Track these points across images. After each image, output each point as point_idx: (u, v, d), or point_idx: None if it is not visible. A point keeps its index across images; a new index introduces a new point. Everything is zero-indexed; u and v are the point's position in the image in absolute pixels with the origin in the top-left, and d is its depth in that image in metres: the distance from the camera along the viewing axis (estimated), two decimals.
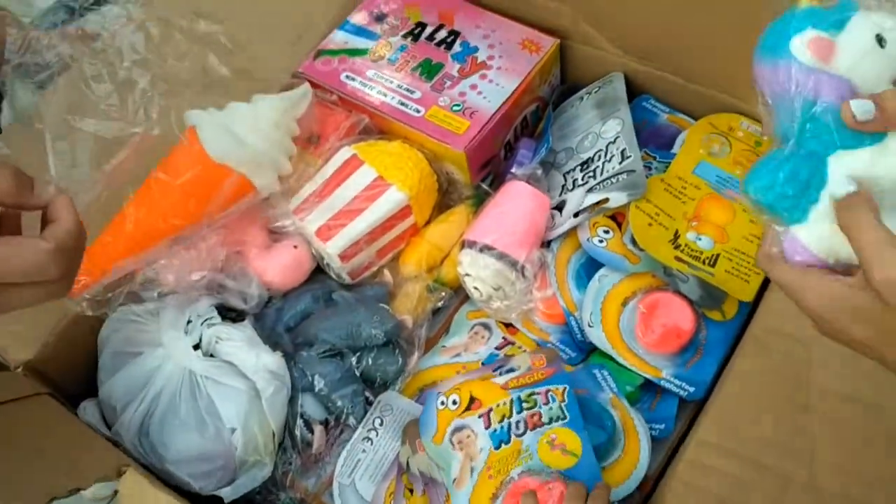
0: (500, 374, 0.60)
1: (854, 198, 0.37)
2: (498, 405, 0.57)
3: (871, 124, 0.37)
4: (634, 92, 0.76)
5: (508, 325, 0.69)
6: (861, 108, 0.37)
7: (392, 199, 0.67)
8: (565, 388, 0.58)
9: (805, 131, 0.38)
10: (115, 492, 1.17)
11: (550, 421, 0.56)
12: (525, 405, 0.57)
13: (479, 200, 0.72)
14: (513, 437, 0.56)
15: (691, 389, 0.62)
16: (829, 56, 0.38)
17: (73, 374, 0.66)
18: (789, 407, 0.56)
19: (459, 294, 0.71)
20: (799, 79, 0.38)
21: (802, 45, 0.38)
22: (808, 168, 0.38)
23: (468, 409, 0.58)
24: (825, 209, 0.38)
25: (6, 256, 0.41)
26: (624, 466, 0.58)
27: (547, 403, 0.57)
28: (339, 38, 0.78)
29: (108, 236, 0.60)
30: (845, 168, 0.38)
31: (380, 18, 0.79)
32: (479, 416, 0.57)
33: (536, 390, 0.58)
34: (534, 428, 0.56)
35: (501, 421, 0.57)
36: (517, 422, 0.56)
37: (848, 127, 0.38)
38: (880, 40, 0.38)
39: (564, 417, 0.57)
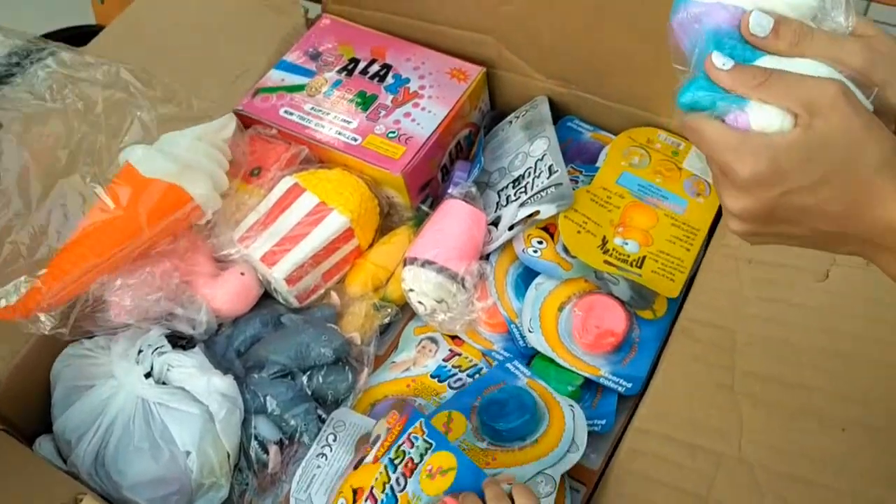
0: (372, 448, 0.61)
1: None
2: (376, 479, 0.58)
3: (761, 41, 0.42)
4: (559, 113, 0.81)
5: (454, 338, 0.72)
6: (757, 21, 0.41)
7: (335, 222, 0.70)
8: (420, 422, 0.59)
9: (710, 48, 0.43)
10: None
11: (421, 457, 0.58)
12: (396, 461, 0.59)
13: (419, 222, 0.75)
14: (398, 495, 0.57)
15: (629, 385, 0.66)
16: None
17: (27, 411, 0.67)
18: (717, 390, 0.60)
19: (406, 311, 0.73)
20: (701, 14, 0.43)
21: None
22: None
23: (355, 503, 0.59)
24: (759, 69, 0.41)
25: None
26: (553, 433, 0.61)
27: (412, 446, 0.58)
28: (276, 76, 0.81)
29: (62, 258, 0.61)
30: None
31: (315, 56, 0.83)
32: (366, 501, 0.58)
33: (400, 442, 0.59)
34: (411, 474, 0.57)
35: (384, 489, 0.58)
36: (396, 479, 0.58)
37: (743, 39, 0.42)
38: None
39: (430, 445, 0.58)
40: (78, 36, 1.06)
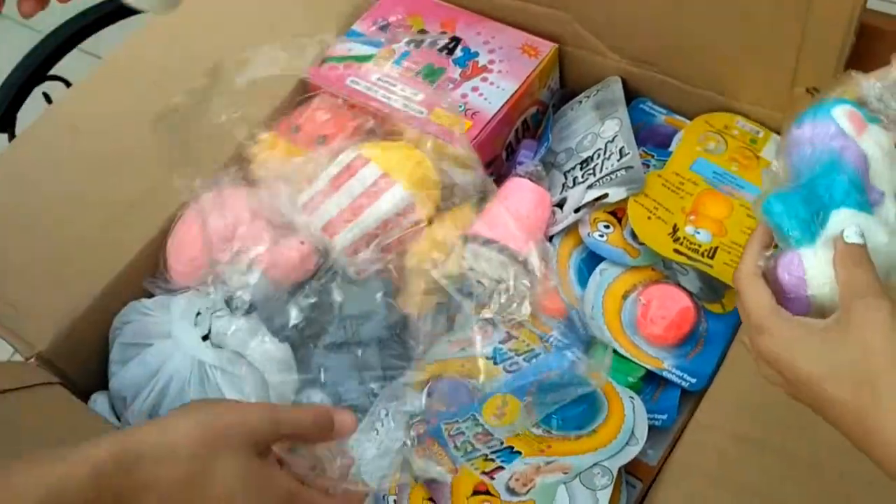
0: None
1: (858, 248, 0.42)
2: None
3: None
4: (632, 95, 0.78)
5: (511, 319, 0.70)
6: (853, 232, 0.42)
7: (397, 195, 0.69)
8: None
9: (819, 181, 0.43)
10: None
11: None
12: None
13: (482, 199, 0.73)
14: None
15: (693, 381, 0.63)
16: (861, 130, 0.44)
17: (85, 366, 0.67)
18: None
19: (463, 289, 0.72)
20: (830, 136, 0.44)
21: (843, 113, 0.44)
22: (817, 204, 0.43)
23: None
24: (827, 241, 0.43)
25: None
26: (611, 425, 0.60)
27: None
28: (343, 46, 0.80)
29: None
30: (850, 222, 0.43)
31: (383, 27, 0.82)
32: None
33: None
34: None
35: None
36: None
37: (857, 189, 0.43)
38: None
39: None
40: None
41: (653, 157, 0.72)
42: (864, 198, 0.43)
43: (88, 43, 1.05)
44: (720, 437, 0.58)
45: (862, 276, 0.40)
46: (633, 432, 0.60)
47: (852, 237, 0.42)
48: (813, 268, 0.42)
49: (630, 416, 0.61)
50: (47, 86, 1.02)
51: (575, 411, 0.62)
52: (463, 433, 0.64)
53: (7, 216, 0.73)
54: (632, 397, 0.62)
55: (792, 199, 0.44)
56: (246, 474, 0.42)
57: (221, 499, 0.42)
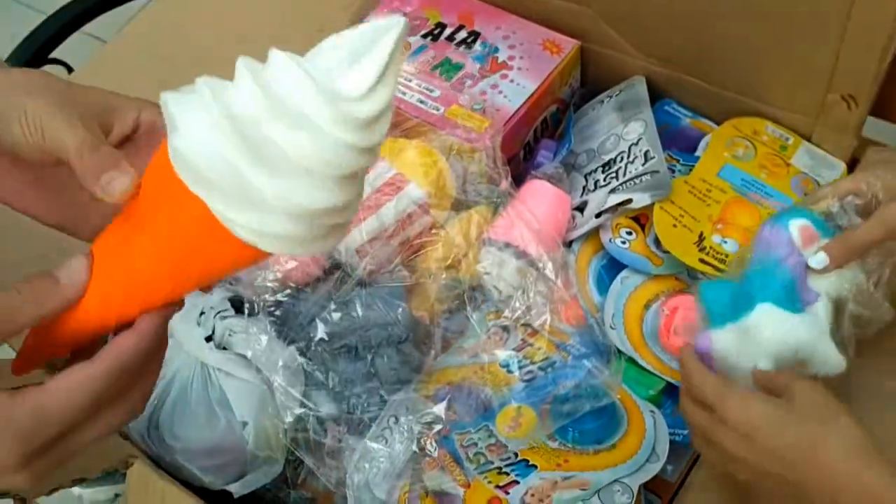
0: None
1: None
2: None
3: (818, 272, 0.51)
4: (655, 96, 0.75)
5: (527, 326, 0.67)
6: (817, 260, 0.50)
7: (411, 194, 0.66)
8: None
9: (757, 276, 0.52)
10: (116, 495, 1.15)
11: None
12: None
13: (498, 201, 0.71)
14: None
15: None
16: (809, 244, 0.51)
17: None
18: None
19: (478, 294, 0.69)
20: (781, 243, 0.51)
21: (797, 226, 0.51)
22: (744, 301, 0.52)
23: None
24: (738, 328, 0.52)
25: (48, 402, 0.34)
26: (631, 440, 0.58)
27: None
28: None
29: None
30: (766, 315, 0.51)
31: None
32: None
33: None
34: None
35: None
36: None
37: (786, 290, 0.51)
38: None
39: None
40: None
41: (678, 161, 0.69)
42: (794, 299, 0.51)
43: (91, 25, 1.02)
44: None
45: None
46: (654, 449, 0.58)
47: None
48: (719, 343, 0.52)
49: (651, 432, 0.59)
50: (48, 69, 1.00)
51: (593, 424, 0.60)
52: (475, 444, 0.61)
53: (2, 210, 0.71)
54: (653, 412, 0.60)
55: (721, 288, 0.53)
56: None
57: None
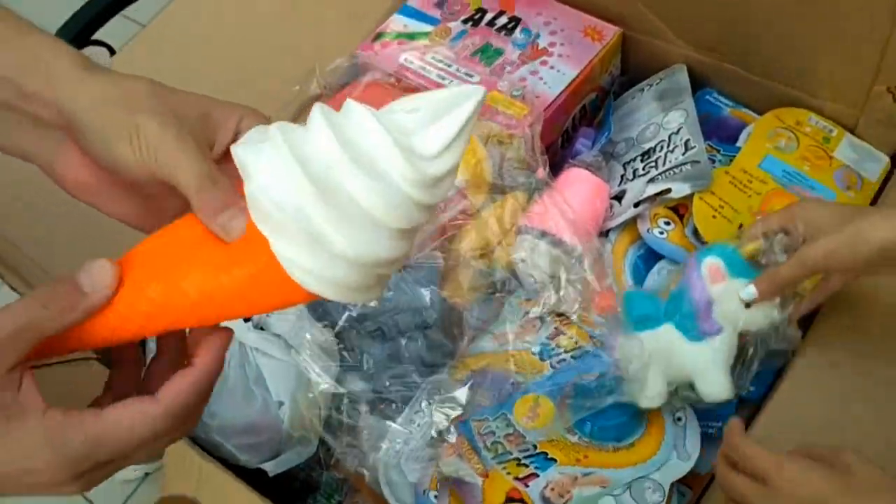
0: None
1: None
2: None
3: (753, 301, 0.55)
4: (696, 85, 0.75)
5: (561, 315, 0.67)
6: (747, 293, 0.54)
7: None
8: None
9: (672, 299, 0.58)
10: (146, 474, 1.17)
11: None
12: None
13: (534, 188, 0.70)
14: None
15: (751, 388, 0.60)
16: (717, 280, 0.56)
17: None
18: (852, 399, 0.54)
19: (511, 280, 0.69)
20: (695, 276, 0.56)
21: (707, 265, 0.56)
22: (656, 318, 0.58)
23: None
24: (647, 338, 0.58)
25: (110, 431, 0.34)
26: (651, 440, 0.58)
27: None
28: (398, 22, 0.78)
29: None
30: (665, 335, 0.57)
31: (440, 3, 0.78)
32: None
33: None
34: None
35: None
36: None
37: (688, 319, 0.56)
38: (746, 304, 0.55)
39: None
40: None
41: (718, 151, 0.68)
42: (693, 328, 0.56)
43: (129, 9, 1.03)
44: (775, 449, 0.55)
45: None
46: (685, 447, 0.58)
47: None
48: (622, 347, 0.58)
49: (670, 432, 0.59)
50: (90, 51, 1.01)
51: (614, 421, 0.60)
52: (493, 433, 0.61)
53: (52, 191, 0.72)
54: (679, 416, 0.60)
55: (642, 300, 0.60)
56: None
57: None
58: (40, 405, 0.36)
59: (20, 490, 0.36)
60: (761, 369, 0.58)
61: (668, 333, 0.56)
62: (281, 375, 0.59)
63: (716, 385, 0.56)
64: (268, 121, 0.40)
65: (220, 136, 0.40)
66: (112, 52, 1.02)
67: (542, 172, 0.64)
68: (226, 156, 0.39)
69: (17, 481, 0.35)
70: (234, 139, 0.40)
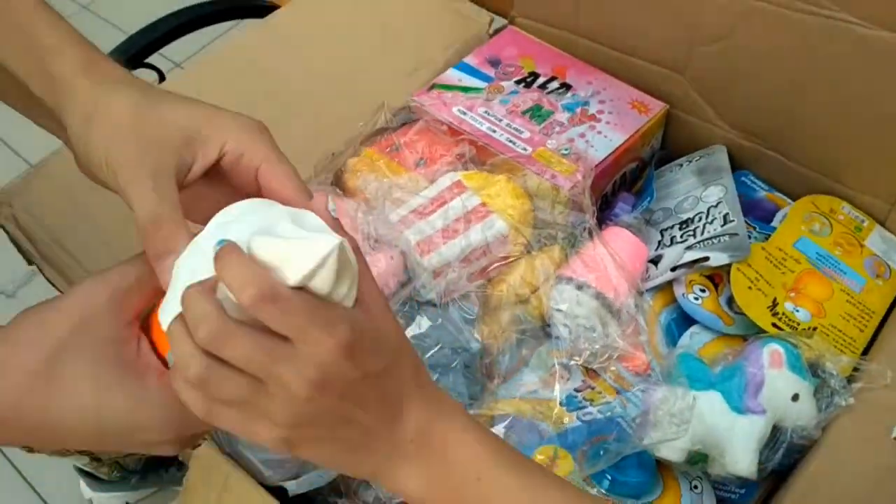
0: None
1: None
2: None
3: None
4: (733, 166, 0.77)
5: (590, 369, 0.68)
6: None
7: (493, 225, 0.68)
8: None
9: (725, 370, 0.61)
10: (127, 503, 1.14)
11: None
12: None
13: (572, 243, 0.72)
14: None
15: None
16: (775, 365, 0.59)
17: None
18: (887, 473, 0.55)
19: (544, 330, 0.70)
20: (754, 355, 0.60)
21: (769, 350, 0.59)
22: (706, 382, 0.60)
23: None
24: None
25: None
26: (669, 500, 0.60)
27: None
28: (453, 76, 0.81)
29: None
30: (711, 399, 0.59)
31: (495, 63, 0.82)
32: None
33: None
34: None
35: None
36: None
37: (737, 391, 0.59)
38: (795, 397, 0.58)
39: None
40: (252, 9, 1.09)
41: (754, 228, 0.71)
42: (739, 401, 0.58)
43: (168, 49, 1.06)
44: None
45: None
46: None
47: None
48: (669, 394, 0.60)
49: (687, 498, 0.61)
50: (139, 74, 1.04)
51: (632, 480, 0.60)
52: None
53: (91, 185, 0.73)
54: (695, 485, 0.61)
55: (692, 360, 0.61)
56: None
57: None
58: (158, 365, 0.37)
59: (124, 446, 0.36)
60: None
61: (713, 399, 0.58)
62: None
63: (744, 461, 0.57)
64: (265, 132, 0.42)
65: (203, 154, 0.40)
66: (162, 77, 1.05)
67: (591, 218, 0.66)
68: (207, 174, 0.41)
69: (128, 437, 0.36)
70: (220, 158, 0.41)
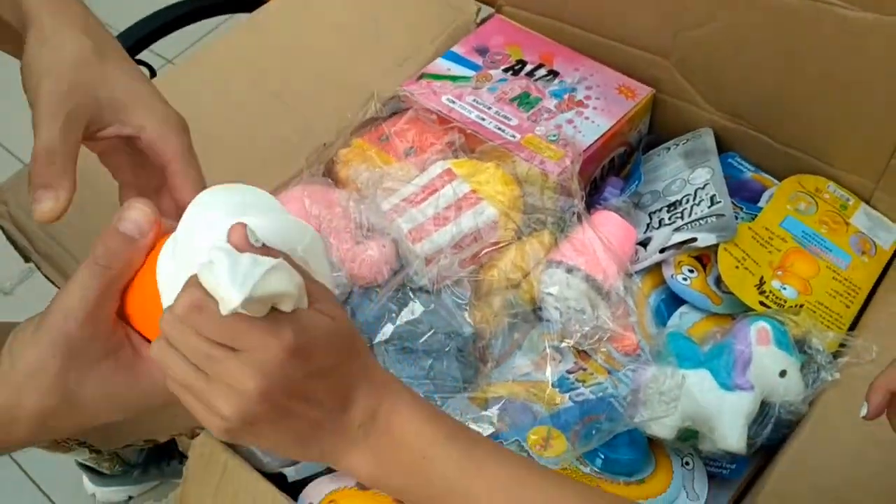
0: None
1: None
2: None
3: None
4: (720, 148, 0.78)
5: (581, 351, 0.69)
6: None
7: (483, 212, 0.69)
8: None
9: (714, 349, 0.62)
10: (130, 497, 1.15)
11: None
12: None
13: (561, 227, 0.73)
14: None
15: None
16: (762, 342, 0.60)
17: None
18: (874, 446, 0.56)
19: (538, 313, 0.71)
20: (742, 333, 0.61)
21: (756, 327, 0.60)
22: (696, 360, 0.61)
23: None
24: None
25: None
26: (661, 478, 0.61)
27: None
28: (442, 65, 0.82)
29: None
30: (700, 377, 0.60)
31: (482, 52, 0.83)
32: None
33: None
34: None
35: None
36: None
37: (725, 368, 0.60)
38: (782, 373, 0.59)
39: None
40: (241, 3, 1.10)
41: (741, 209, 0.72)
42: (728, 378, 0.59)
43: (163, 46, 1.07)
44: (794, 498, 0.56)
45: None
46: (693, 488, 0.60)
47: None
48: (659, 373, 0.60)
49: (679, 472, 0.62)
50: None
51: (624, 457, 0.62)
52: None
53: (85, 180, 0.74)
54: (687, 461, 0.62)
55: (682, 339, 0.62)
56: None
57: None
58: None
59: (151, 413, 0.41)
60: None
61: (702, 377, 0.59)
62: None
63: (733, 436, 0.58)
64: (183, 133, 0.46)
65: (121, 124, 0.45)
66: (153, 73, 1.05)
67: (580, 203, 0.67)
68: (108, 143, 0.46)
69: (156, 414, 0.41)
70: (136, 137, 0.45)
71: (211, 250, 0.36)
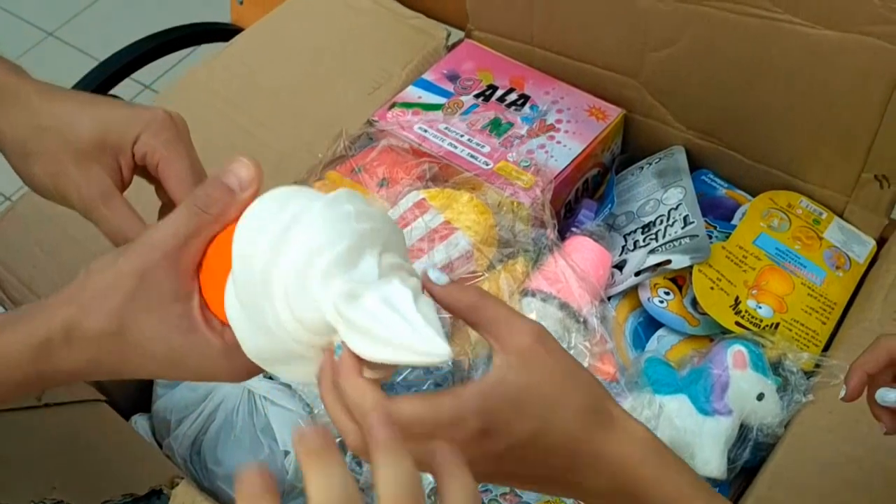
0: None
1: None
2: None
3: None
4: (693, 166, 0.79)
5: None
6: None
7: (458, 242, 0.69)
8: None
9: (692, 373, 0.62)
10: None
11: None
12: None
13: (537, 254, 0.73)
14: None
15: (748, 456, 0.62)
16: (738, 366, 0.60)
17: (125, 387, 0.67)
18: (847, 464, 0.56)
19: None
20: (720, 357, 0.61)
21: (733, 351, 0.61)
22: (673, 386, 0.62)
23: None
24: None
25: None
26: None
27: None
28: (413, 93, 0.82)
29: None
30: (678, 403, 0.61)
31: (453, 78, 0.83)
32: None
33: None
34: None
35: None
36: None
37: (703, 393, 0.60)
38: (760, 396, 0.59)
39: None
40: (216, 33, 1.10)
41: (715, 228, 0.72)
42: (706, 403, 0.59)
43: (141, 73, 1.07)
44: None
45: None
46: None
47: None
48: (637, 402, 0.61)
49: None
50: None
51: None
52: (490, 490, 0.62)
53: (60, 226, 0.74)
54: None
55: (661, 367, 0.62)
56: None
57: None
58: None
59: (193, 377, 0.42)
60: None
61: (680, 402, 0.59)
62: (288, 424, 0.60)
63: (712, 462, 0.59)
64: (173, 121, 0.47)
65: (124, 163, 0.47)
66: None
67: (551, 233, 0.67)
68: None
69: (198, 379, 0.42)
70: (143, 161, 0.46)
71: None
